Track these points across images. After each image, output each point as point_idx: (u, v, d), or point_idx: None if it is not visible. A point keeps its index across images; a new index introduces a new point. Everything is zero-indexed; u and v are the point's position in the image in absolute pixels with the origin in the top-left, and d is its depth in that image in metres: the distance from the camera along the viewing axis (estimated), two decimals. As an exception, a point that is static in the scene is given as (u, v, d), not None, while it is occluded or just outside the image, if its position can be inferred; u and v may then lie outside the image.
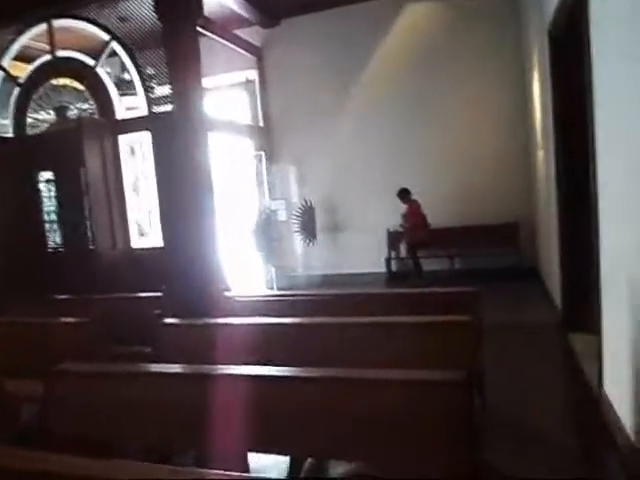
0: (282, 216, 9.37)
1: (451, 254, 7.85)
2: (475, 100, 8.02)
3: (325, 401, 2.06)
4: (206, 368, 2.44)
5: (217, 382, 2.28)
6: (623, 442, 2.81)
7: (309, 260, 8.98)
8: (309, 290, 7.93)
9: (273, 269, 8.52)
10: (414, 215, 7.52)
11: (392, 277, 8.28)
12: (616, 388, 3.07)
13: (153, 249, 6.21)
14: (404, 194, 7.57)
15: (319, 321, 3.19)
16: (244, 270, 8.55)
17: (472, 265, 7.92)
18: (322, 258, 8.79)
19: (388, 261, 8.36)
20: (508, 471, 2.76)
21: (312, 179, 8.85)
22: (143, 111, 6.28)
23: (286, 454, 2.51)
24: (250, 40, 8.84)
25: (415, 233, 7.50)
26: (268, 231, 8.41)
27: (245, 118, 9.19)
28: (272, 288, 8.44)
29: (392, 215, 8.23)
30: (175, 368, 2.54)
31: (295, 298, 4.17)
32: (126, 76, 6.64)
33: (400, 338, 2.86)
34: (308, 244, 8.71)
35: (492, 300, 6.73)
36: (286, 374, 2.22)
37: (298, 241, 8.97)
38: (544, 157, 6.19)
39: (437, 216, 7.93)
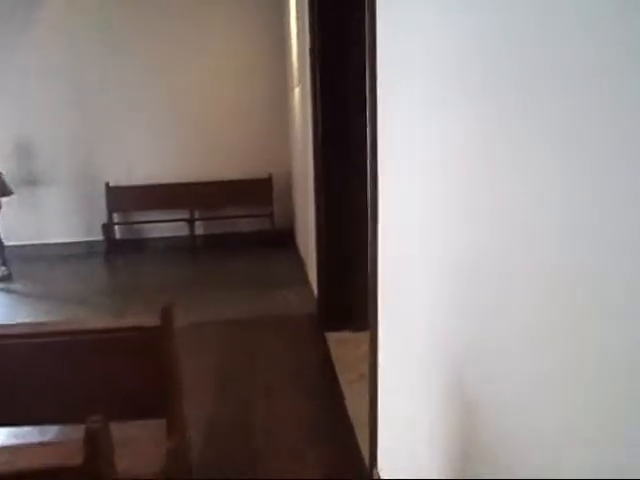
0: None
1: (190, 217, 6.12)
2: (220, 36, 6.17)
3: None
4: None
5: None
6: None
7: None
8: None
9: None
10: None
11: (113, 248, 6.22)
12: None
13: None
14: None
15: None
16: None
17: (217, 229, 6.34)
18: (15, 222, 6.26)
19: (107, 227, 6.20)
20: None
21: (2, 117, 6.15)
22: None
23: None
24: None
25: None
26: None
27: None
28: None
29: (113, 165, 6.21)
30: None
31: None
32: None
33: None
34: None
35: (236, 279, 5.28)
36: None
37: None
38: (301, 94, 4.80)
39: (170, 169, 6.17)
